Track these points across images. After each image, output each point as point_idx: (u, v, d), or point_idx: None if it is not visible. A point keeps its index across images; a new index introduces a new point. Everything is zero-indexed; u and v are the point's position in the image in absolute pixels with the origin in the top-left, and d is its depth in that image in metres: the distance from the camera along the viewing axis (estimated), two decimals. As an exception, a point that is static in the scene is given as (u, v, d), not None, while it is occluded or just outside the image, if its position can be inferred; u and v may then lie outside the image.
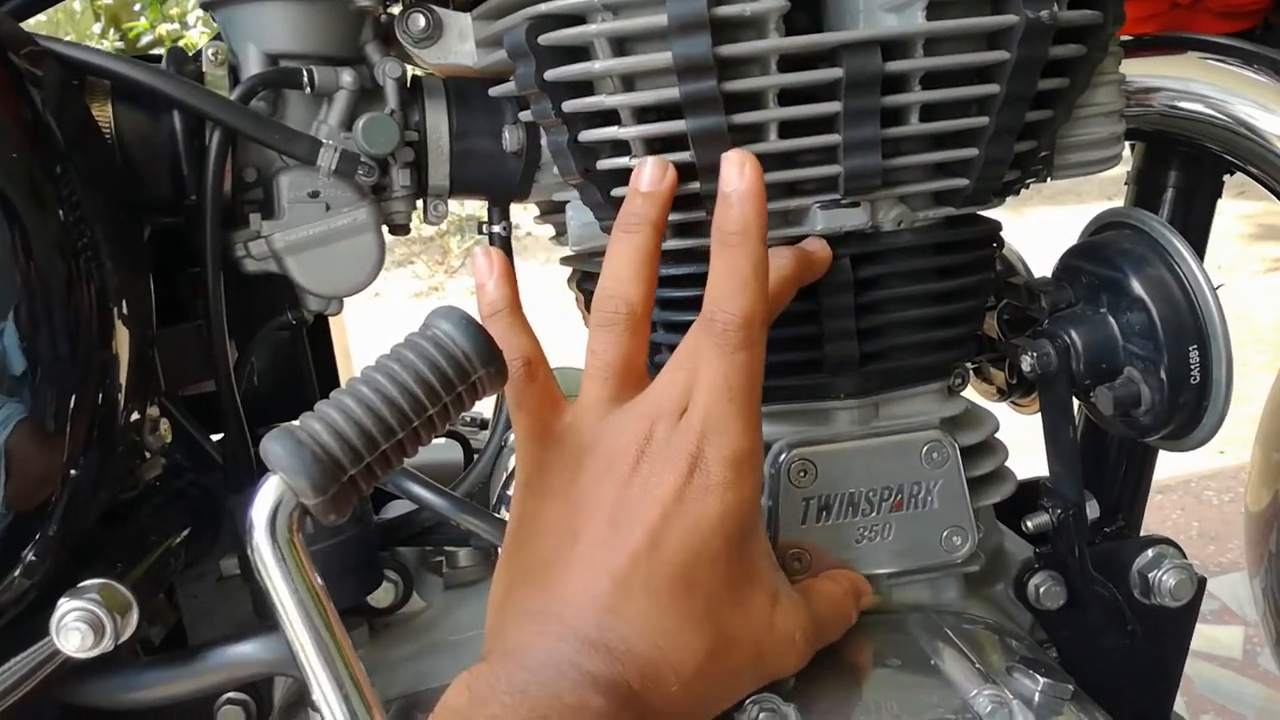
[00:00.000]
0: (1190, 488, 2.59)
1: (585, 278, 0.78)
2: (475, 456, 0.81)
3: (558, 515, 0.54)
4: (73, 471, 0.58)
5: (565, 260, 0.81)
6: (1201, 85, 0.76)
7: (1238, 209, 4.58)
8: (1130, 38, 0.83)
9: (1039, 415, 0.83)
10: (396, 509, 0.81)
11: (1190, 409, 0.68)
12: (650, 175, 0.58)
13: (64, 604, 0.57)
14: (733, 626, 0.53)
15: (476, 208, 0.78)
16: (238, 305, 0.71)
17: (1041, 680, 0.62)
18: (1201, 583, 0.79)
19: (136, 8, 6.33)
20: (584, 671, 0.48)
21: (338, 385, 0.93)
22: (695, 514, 0.51)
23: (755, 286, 0.53)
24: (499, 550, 0.71)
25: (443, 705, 0.49)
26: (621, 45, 0.59)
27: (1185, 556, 0.80)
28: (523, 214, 0.81)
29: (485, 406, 0.96)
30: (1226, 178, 0.86)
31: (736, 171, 0.54)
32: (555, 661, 0.48)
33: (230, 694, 0.72)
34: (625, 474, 0.53)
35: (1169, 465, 1.05)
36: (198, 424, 0.76)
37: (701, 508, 0.51)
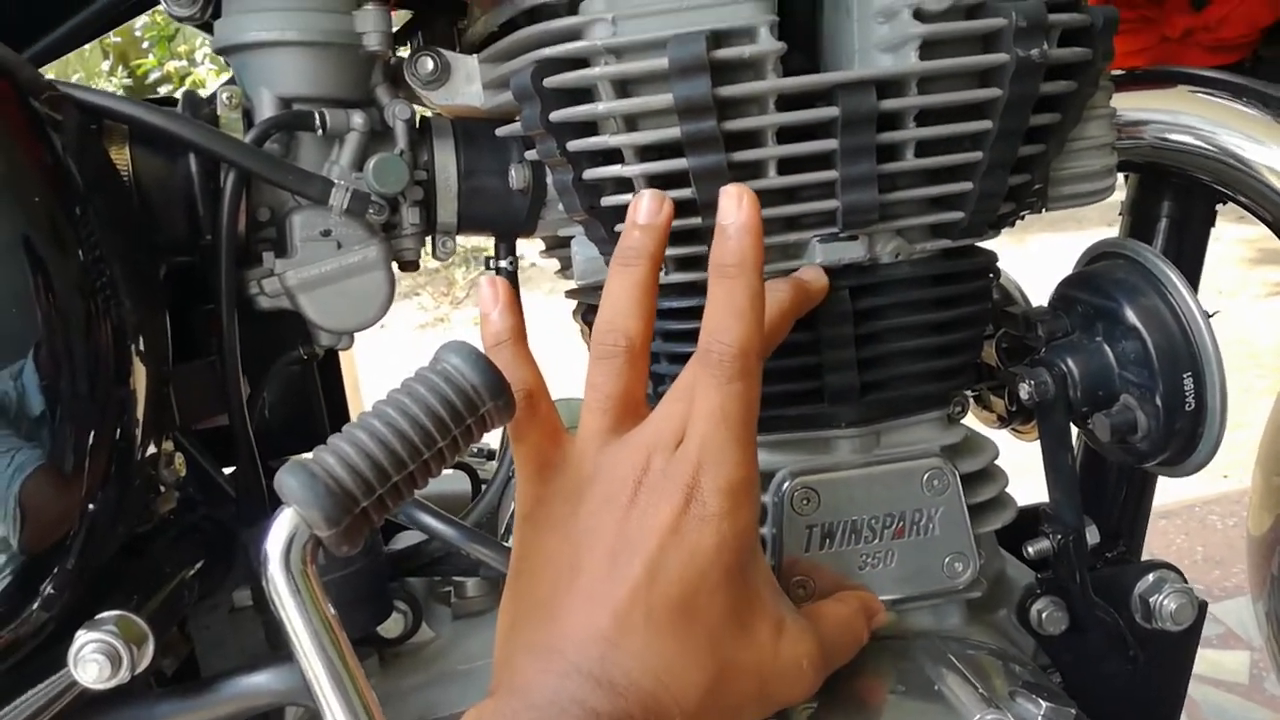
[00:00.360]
0: (1194, 512, 2.59)
1: (590, 310, 0.80)
2: (483, 487, 0.83)
3: (558, 549, 0.55)
4: (91, 506, 0.59)
5: (570, 293, 0.83)
6: (1191, 118, 0.78)
7: (1238, 233, 4.60)
8: (1121, 72, 0.85)
9: (1040, 441, 0.84)
10: (405, 540, 0.82)
11: (1186, 435, 0.69)
12: (647, 208, 0.58)
13: (82, 636, 0.58)
14: (736, 656, 0.53)
15: (483, 240, 0.80)
16: (251, 341, 0.72)
17: (1044, 705, 0.63)
18: (1203, 607, 0.79)
19: (145, 45, 6.40)
20: (587, 709, 0.48)
21: (348, 418, 0.95)
22: (692, 545, 0.51)
23: (751, 317, 0.54)
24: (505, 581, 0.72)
25: None
26: (624, 87, 0.60)
27: (1186, 581, 0.80)
28: (527, 245, 0.82)
29: (492, 438, 0.97)
30: (1221, 206, 0.87)
31: (734, 205, 0.55)
32: (559, 699, 0.49)
33: (243, 727, 0.73)
34: (624, 505, 0.53)
35: (1173, 490, 1.05)
36: (211, 458, 0.78)
37: (698, 539, 0.52)
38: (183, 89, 0.70)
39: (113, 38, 6.29)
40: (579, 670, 0.49)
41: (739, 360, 0.54)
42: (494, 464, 0.96)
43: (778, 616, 0.56)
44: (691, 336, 0.68)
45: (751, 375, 0.54)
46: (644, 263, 0.58)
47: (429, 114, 0.75)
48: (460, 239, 0.77)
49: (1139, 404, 0.70)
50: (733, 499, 0.52)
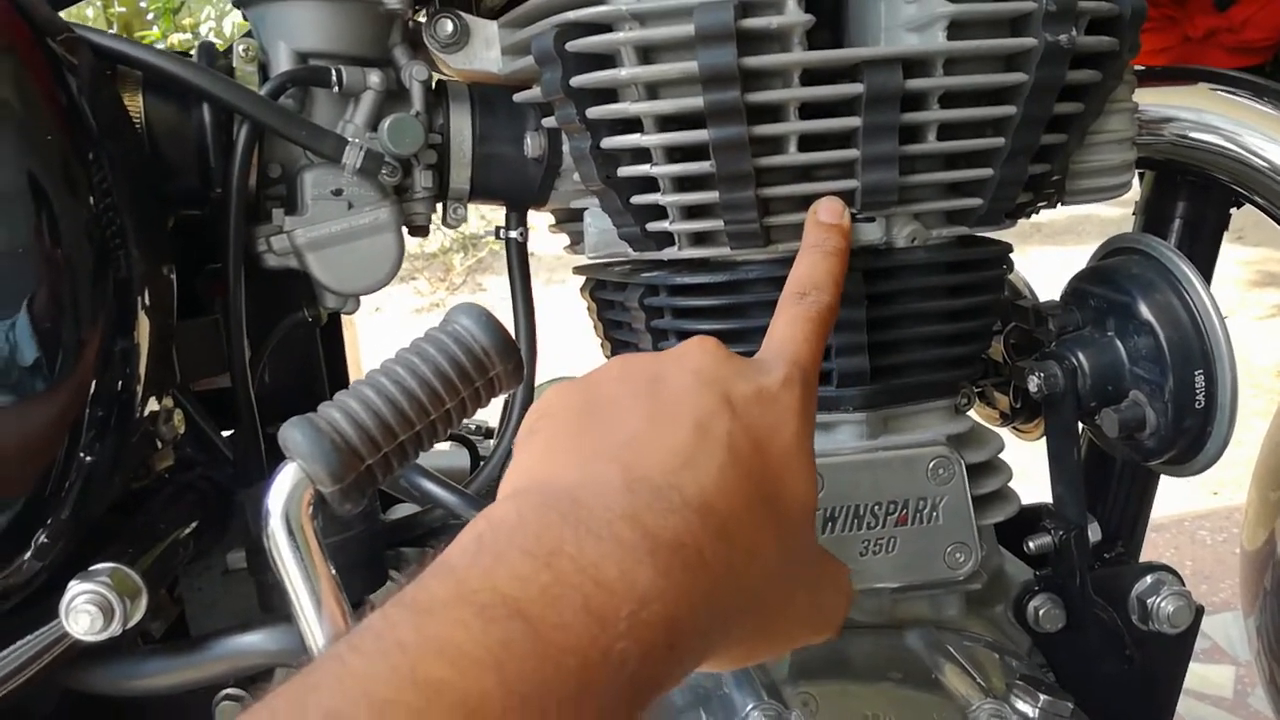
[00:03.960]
0: (1184, 527, 2.59)
1: (599, 286, 0.79)
2: (481, 462, 0.82)
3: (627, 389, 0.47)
4: (88, 457, 0.59)
5: (579, 269, 0.82)
6: (1214, 116, 0.78)
7: (1237, 255, 4.60)
8: (1143, 68, 0.85)
9: (1040, 443, 0.84)
10: (402, 511, 0.82)
11: (1194, 434, 0.69)
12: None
13: (74, 586, 0.57)
14: (798, 533, 0.47)
15: (481, 225, 0.79)
16: (255, 301, 0.71)
17: (1042, 698, 0.62)
18: (1199, 611, 0.79)
19: (149, 16, 6.37)
20: (641, 528, 0.38)
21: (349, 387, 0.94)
22: (773, 398, 0.47)
23: (817, 342, 0.53)
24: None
25: (444, 554, 0.37)
26: (647, 54, 0.60)
27: (1184, 584, 0.80)
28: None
29: (492, 416, 0.96)
30: (1233, 211, 0.87)
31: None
32: (606, 506, 0.38)
33: (229, 690, 0.72)
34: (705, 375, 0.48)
35: (1163, 504, 1.06)
36: (209, 418, 0.77)
37: (777, 395, 0.48)
38: (199, 43, 0.69)
39: (118, 7, 6.26)
40: (636, 478, 0.40)
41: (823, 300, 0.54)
42: (493, 441, 0.95)
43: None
44: (703, 313, 0.68)
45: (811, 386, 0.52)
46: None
47: (445, 77, 0.74)
48: (459, 227, 0.76)
49: (1148, 400, 0.69)
50: (806, 386, 0.49)
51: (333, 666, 0.32)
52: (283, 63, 0.68)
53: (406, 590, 0.35)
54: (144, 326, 0.61)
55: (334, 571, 0.54)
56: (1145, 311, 0.68)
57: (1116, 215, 0.89)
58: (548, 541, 0.36)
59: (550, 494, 0.39)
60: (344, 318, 0.89)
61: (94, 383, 0.58)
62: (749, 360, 0.50)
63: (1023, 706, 0.63)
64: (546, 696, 0.32)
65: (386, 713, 0.30)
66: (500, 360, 0.55)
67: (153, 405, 0.65)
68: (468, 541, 0.37)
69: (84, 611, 0.57)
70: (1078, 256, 0.82)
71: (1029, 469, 0.85)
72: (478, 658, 0.32)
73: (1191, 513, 2.64)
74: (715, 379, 0.47)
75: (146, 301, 0.62)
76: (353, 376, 0.97)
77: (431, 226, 0.75)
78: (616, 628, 0.34)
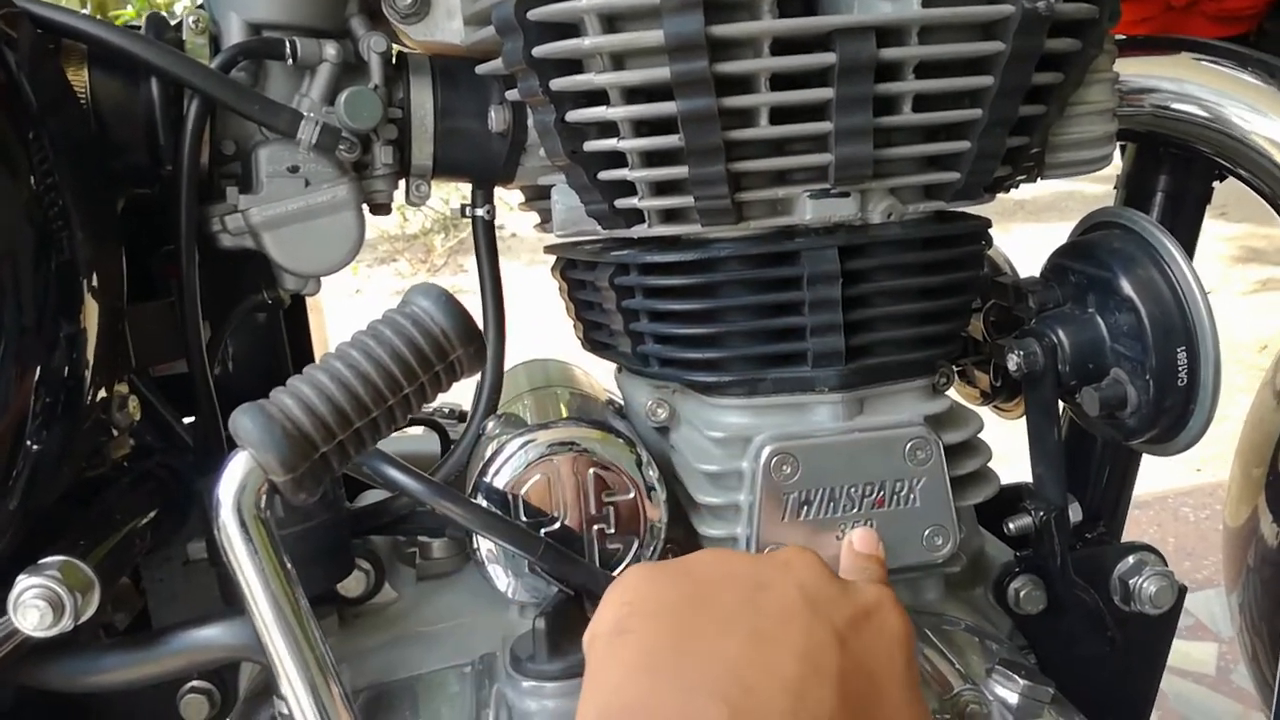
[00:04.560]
0: (1167, 504, 2.60)
1: (569, 265, 0.77)
2: (451, 446, 0.80)
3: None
4: (35, 445, 0.56)
5: (549, 249, 0.80)
6: (1196, 87, 0.76)
7: (1220, 230, 4.60)
8: (1123, 38, 0.83)
9: (1020, 423, 0.82)
10: (370, 499, 0.80)
11: (1176, 412, 0.67)
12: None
13: (22, 580, 0.55)
14: None
15: (461, 205, 0.77)
16: (212, 283, 0.69)
17: (1022, 682, 0.61)
18: (1182, 591, 0.78)
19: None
20: None
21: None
22: (879, 626, 0.46)
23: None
24: (473, 539, 0.69)
25: None
26: (612, 22, 0.58)
27: (1166, 564, 0.79)
28: (507, 215, 0.79)
29: (464, 398, 0.94)
30: (1216, 184, 0.85)
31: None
32: None
33: (194, 683, 0.70)
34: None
35: (1145, 481, 1.05)
36: (169, 405, 0.74)
37: (883, 620, 0.47)
38: (147, 13, 0.66)
39: (91, -13, 6.16)
40: None
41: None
42: (464, 425, 0.93)
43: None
44: (674, 292, 0.66)
45: None
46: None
47: (405, 50, 0.72)
48: (439, 204, 0.74)
49: (1130, 378, 0.68)
50: (902, 612, 0.48)
51: None
52: (235, 34, 0.65)
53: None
54: (91, 310, 0.59)
55: (289, 564, 0.52)
56: (1127, 287, 0.67)
57: (1100, 192, 0.87)
58: None
59: None
60: (308, 300, 0.86)
61: (38, 369, 0.56)
62: (847, 581, 0.48)
63: (1002, 691, 0.62)
64: None
65: None
66: (460, 343, 0.53)
67: (104, 391, 0.63)
68: None
69: (32, 606, 0.55)
70: (1061, 234, 0.80)
71: (1007, 453, 0.84)
72: None
73: (1174, 489, 2.64)
74: (821, 599, 0.45)
75: (93, 284, 0.59)
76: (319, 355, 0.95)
77: (412, 209, 0.72)
78: None
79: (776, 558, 0.48)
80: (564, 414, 0.82)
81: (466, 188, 0.75)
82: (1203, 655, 1.99)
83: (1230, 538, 1.36)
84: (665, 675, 0.41)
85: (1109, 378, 0.69)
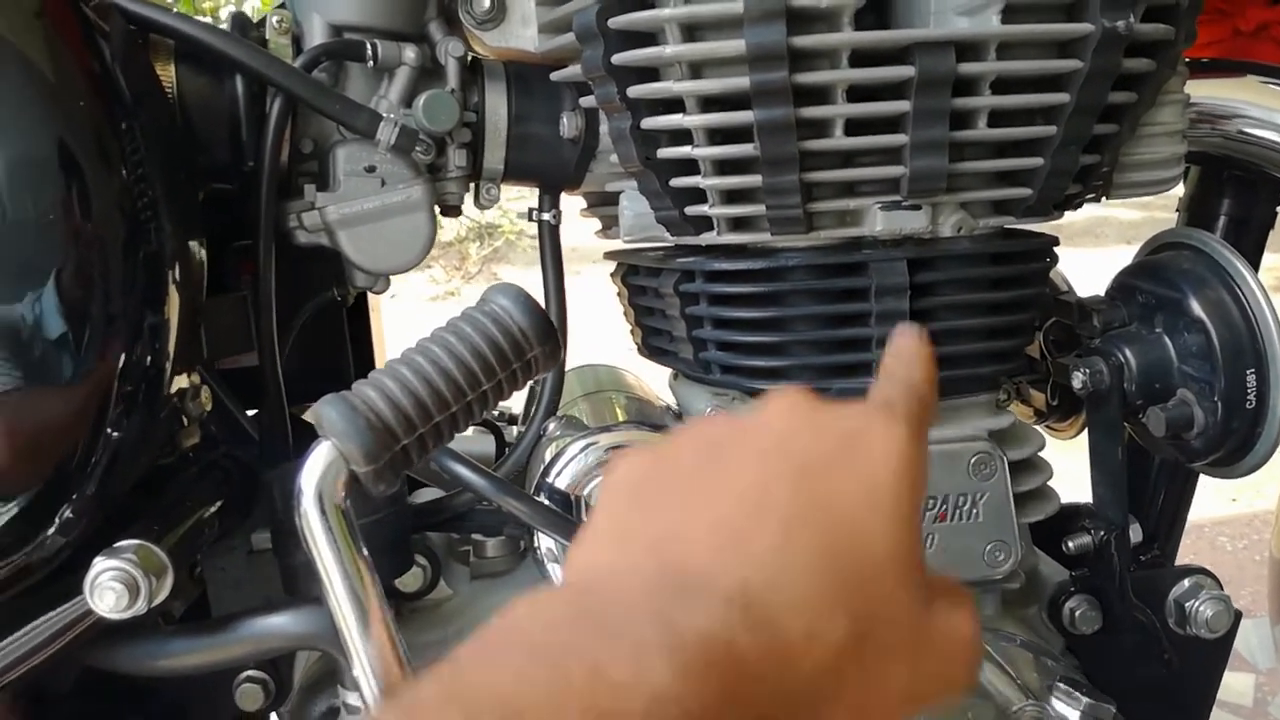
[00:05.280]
0: (1204, 533, 2.57)
1: (630, 271, 0.78)
2: (507, 449, 0.81)
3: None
4: (115, 433, 0.57)
5: (610, 254, 0.81)
6: (1264, 110, 0.76)
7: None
8: (1189, 60, 0.83)
9: (1070, 443, 0.82)
10: (425, 496, 0.80)
11: (1243, 434, 0.67)
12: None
13: (99, 563, 0.56)
14: (885, 600, 0.39)
15: (497, 214, 0.77)
16: (284, 279, 0.70)
17: (1084, 700, 0.61)
18: (1238, 616, 0.77)
19: (170, 1, 6.38)
20: (665, 624, 0.34)
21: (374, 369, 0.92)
22: (862, 446, 0.40)
23: (919, 408, 0.43)
24: (534, 537, 0.70)
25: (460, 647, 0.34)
26: (693, 32, 0.58)
27: (1222, 588, 0.78)
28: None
29: (516, 402, 0.95)
30: (1280, 209, 0.85)
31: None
32: (631, 602, 0.35)
33: (249, 672, 0.71)
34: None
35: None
36: (234, 397, 0.76)
37: (867, 447, 0.40)
38: (232, 13, 0.68)
39: (140, -8, 6.26)
40: (672, 571, 0.37)
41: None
42: (518, 428, 0.94)
43: (930, 579, 0.42)
44: (740, 300, 0.66)
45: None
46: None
47: (481, 56, 0.73)
48: (474, 214, 0.75)
49: (1197, 399, 0.67)
50: (911, 424, 0.41)
51: None
52: (317, 35, 0.66)
53: (409, 687, 0.32)
54: (174, 302, 0.60)
55: (366, 553, 0.53)
56: (1196, 308, 0.67)
57: (1137, 218, 0.86)
58: (559, 640, 0.33)
59: (576, 588, 0.37)
60: (370, 299, 0.88)
61: (123, 358, 0.57)
62: (829, 414, 0.42)
63: (1063, 708, 0.62)
64: None
65: None
66: (538, 342, 0.54)
67: (180, 382, 0.64)
68: (479, 636, 0.34)
69: (109, 588, 0.56)
70: (1096, 259, 0.80)
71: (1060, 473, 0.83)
72: None
73: (1211, 519, 2.62)
74: (792, 438, 0.40)
75: (177, 276, 0.60)
76: (376, 361, 0.96)
77: (451, 218, 0.73)
78: None
79: (763, 403, 0.43)
80: (621, 418, 0.82)
81: (503, 197, 0.75)
82: (1240, 686, 1.96)
83: (1276, 569, 1.35)
84: (608, 537, 0.40)
85: (1176, 398, 0.68)
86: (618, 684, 0.31)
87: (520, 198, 0.80)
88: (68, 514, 0.57)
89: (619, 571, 0.37)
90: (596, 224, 0.81)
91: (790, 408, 0.42)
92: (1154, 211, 0.87)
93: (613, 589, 0.36)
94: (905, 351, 0.47)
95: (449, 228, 5.30)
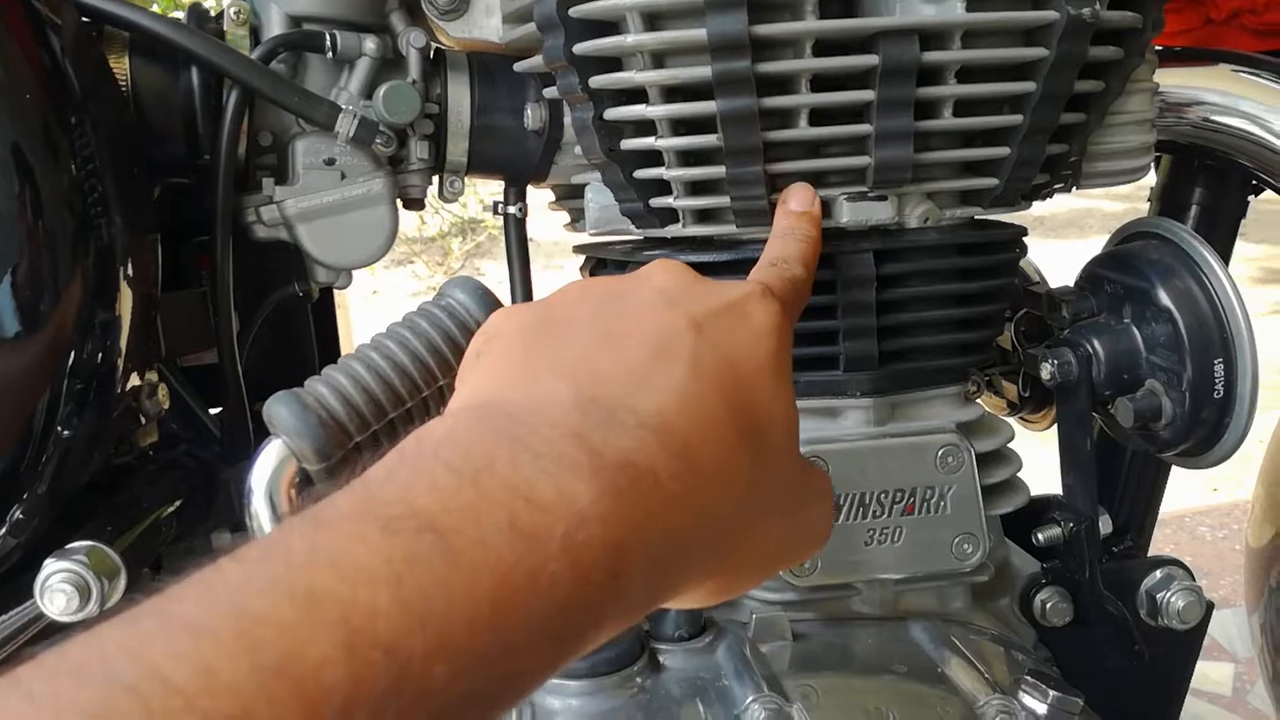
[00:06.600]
0: (1184, 523, 2.58)
1: (599, 265, 0.77)
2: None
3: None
4: (66, 431, 0.57)
5: (579, 248, 0.80)
6: (1235, 99, 0.75)
7: (1240, 251, 4.58)
8: (1162, 48, 0.82)
9: (1044, 435, 0.82)
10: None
11: (1212, 424, 0.67)
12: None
13: (50, 565, 0.55)
14: (777, 457, 0.42)
15: (479, 209, 0.77)
16: (244, 274, 0.69)
17: (1051, 694, 0.61)
18: (1209, 606, 0.77)
19: (149, -5, 6.33)
20: (587, 446, 0.34)
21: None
22: (744, 314, 0.43)
23: (790, 292, 0.49)
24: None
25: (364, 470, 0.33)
26: (654, 20, 0.57)
27: (1194, 578, 0.78)
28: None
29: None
30: (1253, 196, 0.85)
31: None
32: (550, 424, 0.34)
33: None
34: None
35: (1163, 501, 1.05)
36: (196, 394, 0.75)
37: (749, 311, 0.43)
38: (189, 4, 0.67)
39: (118, -14, 6.22)
40: (586, 397, 0.37)
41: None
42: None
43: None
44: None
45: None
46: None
47: (443, 46, 0.72)
48: (457, 209, 0.74)
49: (1165, 389, 0.67)
50: (784, 306, 0.45)
51: (207, 575, 0.28)
52: (275, 26, 0.65)
53: (312, 506, 0.30)
54: (126, 298, 0.59)
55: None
56: (1164, 298, 0.66)
57: (1120, 209, 0.86)
58: (478, 457, 0.32)
59: (488, 411, 0.36)
60: (337, 294, 0.87)
61: (72, 355, 0.56)
62: (718, 280, 0.45)
63: (1031, 702, 0.61)
64: (452, 616, 0.28)
65: (253, 626, 0.25)
66: (495, 336, 0.53)
67: (135, 380, 0.63)
68: (390, 457, 0.33)
69: (60, 591, 0.55)
70: (1079, 250, 0.80)
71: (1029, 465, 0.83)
72: (373, 571, 0.27)
73: (1191, 509, 2.63)
74: (680, 296, 0.42)
75: (129, 272, 0.59)
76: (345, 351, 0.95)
77: (431, 211, 0.72)
78: (547, 549, 0.30)
79: (637, 271, 0.45)
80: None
81: (484, 192, 0.75)
82: (1219, 675, 1.97)
83: (1252, 558, 1.35)
84: (513, 373, 0.39)
85: (1144, 389, 0.68)
86: (538, 502, 0.31)
87: (499, 192, 0.79)
88: (18, 515, 0.56)
89: (534, 396, 0.37)
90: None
91: (678, 272, 0.44)
92: (1138, 203, 0.86)
93: (529, 410, 0.35)
94: (790, 229, 0.53)
95: (432, 223, 5.29)
